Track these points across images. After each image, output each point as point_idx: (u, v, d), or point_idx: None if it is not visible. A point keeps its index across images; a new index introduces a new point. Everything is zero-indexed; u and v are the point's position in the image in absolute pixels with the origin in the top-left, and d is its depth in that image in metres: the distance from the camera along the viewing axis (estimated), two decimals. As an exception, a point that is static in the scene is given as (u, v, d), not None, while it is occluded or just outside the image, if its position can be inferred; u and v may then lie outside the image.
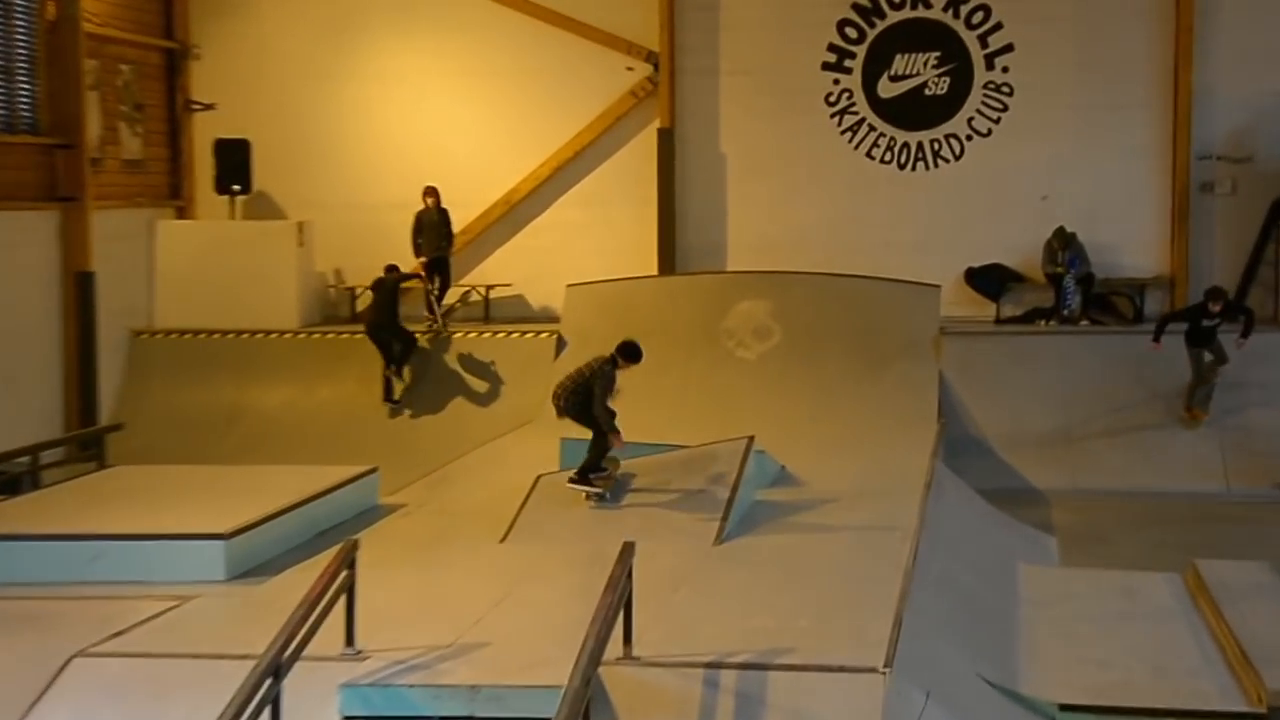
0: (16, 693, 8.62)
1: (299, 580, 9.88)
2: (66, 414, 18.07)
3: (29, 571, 10.84)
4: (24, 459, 14.83)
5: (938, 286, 18.79)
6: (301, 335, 19.48)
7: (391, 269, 18.98)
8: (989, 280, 19.84)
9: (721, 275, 19.49)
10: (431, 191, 19.65)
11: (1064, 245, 18.97)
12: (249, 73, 21.03)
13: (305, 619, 8.04)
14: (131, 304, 19.65)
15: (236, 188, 20.53)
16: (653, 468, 12.64)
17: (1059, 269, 18.90)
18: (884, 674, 8.13)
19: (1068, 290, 18.86)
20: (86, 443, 16.53)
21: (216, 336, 19.58)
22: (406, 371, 18.70)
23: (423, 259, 19.40)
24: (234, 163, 20.45)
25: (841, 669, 8.21)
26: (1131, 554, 13.52)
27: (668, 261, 20.33)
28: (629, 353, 12.23)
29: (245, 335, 19.59)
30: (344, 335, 19.39)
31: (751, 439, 12.77)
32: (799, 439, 15.43)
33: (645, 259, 20.35)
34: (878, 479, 13.82)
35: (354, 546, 8.81)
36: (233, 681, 7.65)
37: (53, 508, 12.17)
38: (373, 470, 13.68)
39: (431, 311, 19.57)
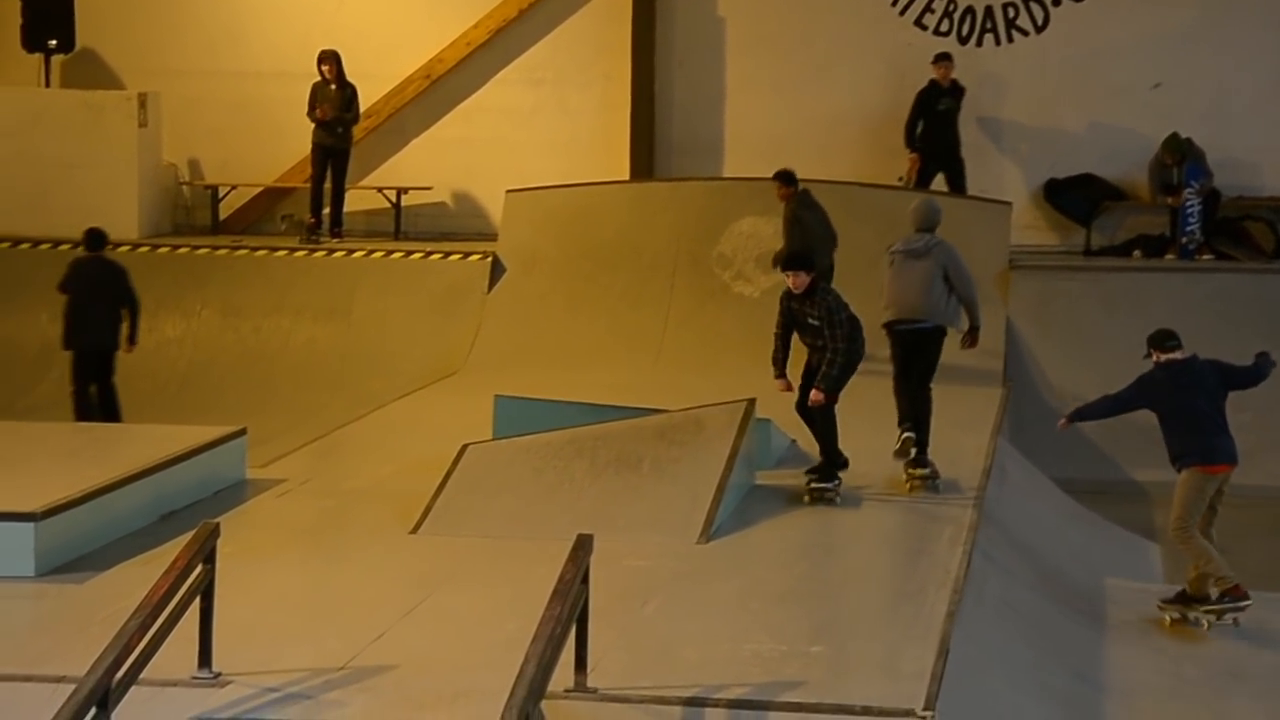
0: None
1: (137, 577, 9.87)
2: None
3: None
4: None
5: (1008, 204, 18.87)
6: (144, 249, 19.43)
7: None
8: (1078, 198, 19.94)
9: (716, 183, 19.51)
10: (328, 58, 19.62)
11: (1178, 159, 19.03)
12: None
13: (144, 630, 8.04)
14: (-93, 200, 19.58)
15: (53, 43, 20.39)
16: (620, 438, 12.68)
17: (1173, 186, 18.96)
18: (924, 719, 8.20)
19: (1188, 212, 18.94)
20: None
21: (24, 247, 19.51)
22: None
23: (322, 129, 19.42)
24: (48, 7, 20.28)
25: (867, 711, 8.27)
26: (1261, 568, 13.65)
27: (643, 162, 20.35)
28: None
29: (65, 247, 19.42)
30: (201, 250, 19.34)
31: (752, 402, 12.82)
32: (816, 405, 15.48)
33: (613, 158, 20.37)
34: (921, 461, 13.90)
35: (213, 534, 8.83)
36: (43, 712, 7.64)
37: None
38: (239, 432, 13.67)
39: (316, 215, 19.57)
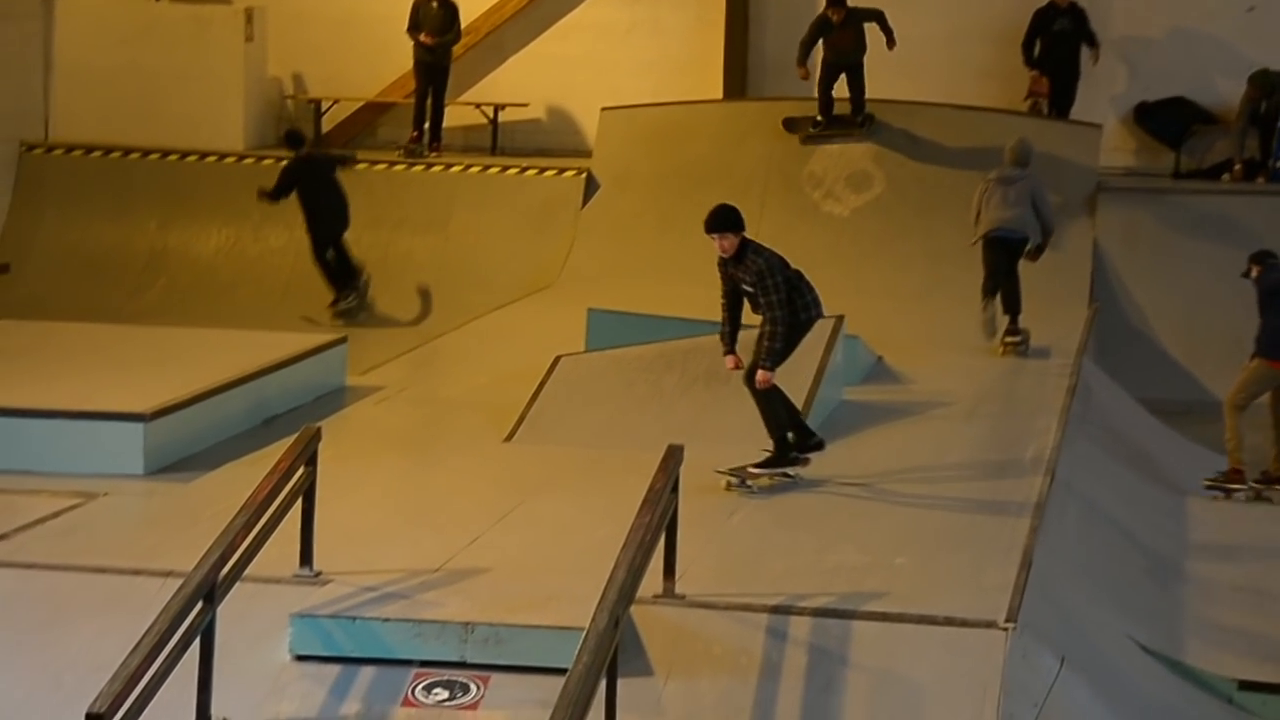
0: None
1: (240, 478, 9.99)
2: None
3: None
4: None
5: (1098, 126, 18.64)
6: (249, 160, 19.47)
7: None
8: (1168, 120, 19.67)
9: (808, 102, 19.36)
10: (430, -23, 19.63)
11: (1266, 92, 18.75)
12: None
13: (249, 529, 8.15)
14: (19, 108, 19.67)
15: (164, -45, 20.51)
16: (709, 352, 12.62)
17: (1261, 118, 18.71)
18: (1006, 630, 8.21)
19: None
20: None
21: (134, 157, 19.62)
22: None
23: (423, 47, 19.40)
24: (160, -77, 20.41)
25: (950, 621, 8.30)
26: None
27: (736, 81, 20.24)
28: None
29: (173, 157, 19.64)
30: (304, 163, 19.40)
31: (841, 319, 12.78)
32: (903, 322, 15.44)
33: (706, 77, 20.26)
34: (1005, 378, 13.85)
35: (314, 437, 8.91)
36: (152, 604, 7.76)
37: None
38: (340, 341, 13.78)
39: (419, 128, 19.63)
